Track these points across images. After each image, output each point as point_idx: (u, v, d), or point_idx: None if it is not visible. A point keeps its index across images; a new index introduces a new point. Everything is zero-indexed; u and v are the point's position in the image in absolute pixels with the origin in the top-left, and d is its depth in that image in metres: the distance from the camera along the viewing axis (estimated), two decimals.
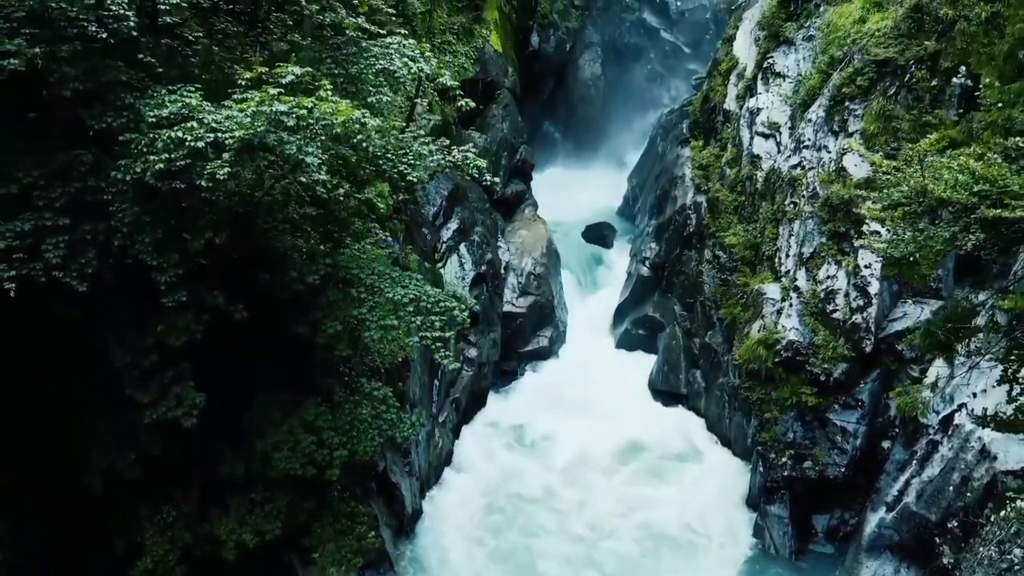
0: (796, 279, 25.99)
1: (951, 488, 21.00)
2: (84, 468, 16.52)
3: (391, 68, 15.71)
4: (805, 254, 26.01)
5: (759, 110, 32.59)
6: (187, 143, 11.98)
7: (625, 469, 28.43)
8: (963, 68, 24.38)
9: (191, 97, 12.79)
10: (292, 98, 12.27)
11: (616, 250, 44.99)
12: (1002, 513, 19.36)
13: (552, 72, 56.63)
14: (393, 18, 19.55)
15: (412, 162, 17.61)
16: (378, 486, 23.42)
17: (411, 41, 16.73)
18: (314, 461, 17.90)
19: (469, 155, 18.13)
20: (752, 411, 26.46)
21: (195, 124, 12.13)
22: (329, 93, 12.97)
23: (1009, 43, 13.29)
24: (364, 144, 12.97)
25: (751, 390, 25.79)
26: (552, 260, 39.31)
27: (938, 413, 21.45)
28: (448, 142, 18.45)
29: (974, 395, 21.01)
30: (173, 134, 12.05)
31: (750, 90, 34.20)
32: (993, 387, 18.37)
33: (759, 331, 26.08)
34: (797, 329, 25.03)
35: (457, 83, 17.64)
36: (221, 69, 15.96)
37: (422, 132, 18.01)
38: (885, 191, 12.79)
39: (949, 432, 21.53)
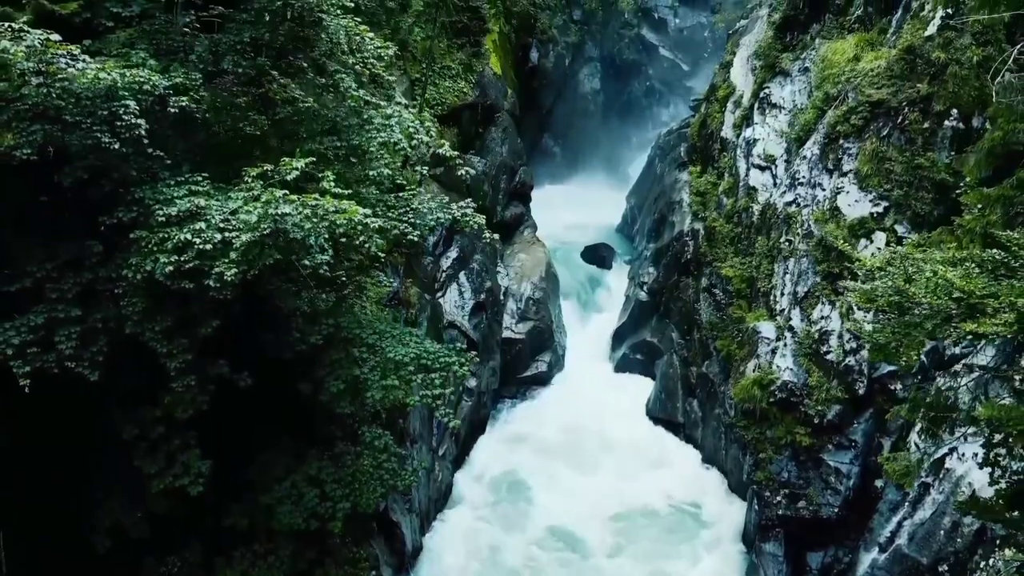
0: (791, 318, 26.34)
1: (942, 532, 21.36)
2: (91, 527, 16.85)
3: (392, 141, 16.10)
4: (799, 293, 26.37)
5: (755, 141, 32.92)
6: (196, 246, 12.38)
7: (619, 526, 28.21)
8: (955, 111, 24.76)
9: (199, 192, 13.16)
10: (296, 197, 12.64)
11: (615, 272, 45.34)
12: (991, 560, 19.77)
13: (551, 87, 57.01)
14: (389, 67, 19.75)
15: (412, 220, 18.04)
16: (379, 525, 23.77)
17: (411, 112, 17.09)
18: (317, 514, 18.30)
19: (468, 211, 18.53)
20: (747, 448, 26.84)
21: (203, 225, 12.51)
22: (332, 184, 13.35)
23: (988, 143, 13.59)
24: (367, 245, 13.36)
25: (746, 429, 26.19)
26: (551, 284, 39.65)
27: (930, 456, 21.82)
28: (447, 198, 18.84)
29: (965, 439, 21.39)
30: (182, 236, 12.43)
31: (747, 120, 34.52)
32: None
33: (754, 370, 26.46)
34: (791, 369, 25.40)
35: (456, 153, 17.97)
36: (226, 128, 16.29)
37: (421, 189, 18.34)
38: (868, 285, 13.15)
39: (940, 475, 21.90)
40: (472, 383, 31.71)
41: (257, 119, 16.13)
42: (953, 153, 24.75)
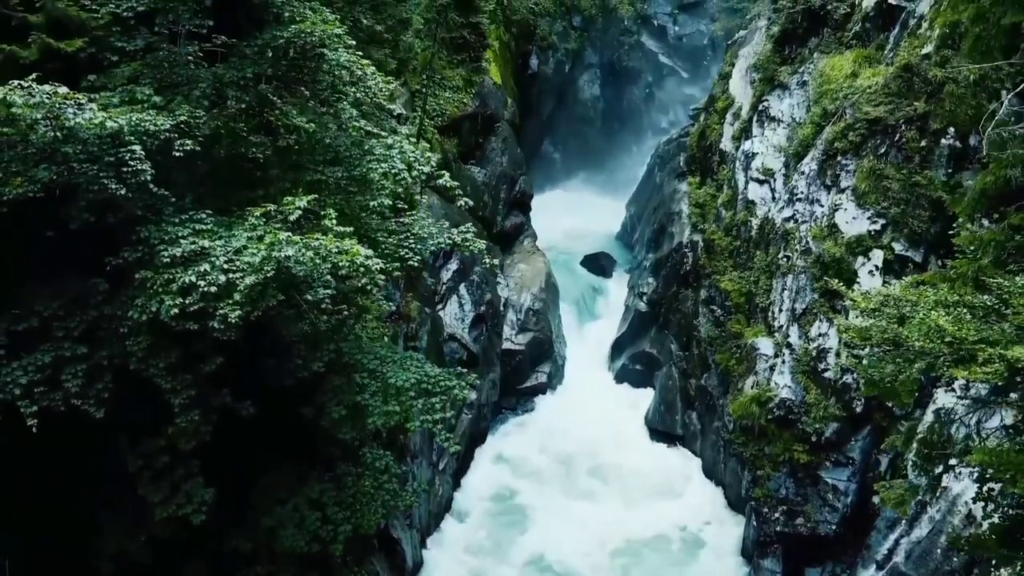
0: (789, 335, 26.51)
1: (939, 551, 21.48)
2: (94, 552, 16.99)
3: (393, 171, 16.26)
4: (797, 310, 26.54)
5: (754, 154, 33.10)
6: (200, 288, 12.55)
7: (617, 549, 27.99)
8: (952, 130, 24.88)
9: (203, 231, 13.32)
10: (299, 239, 12.81)
11: (615, 280, 45.56)
12: None
13: (551, 93, 57.36)
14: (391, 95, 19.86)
15: (413, 246, 18.21)
16: (379, 542, 23.95)
17: (411, 142, 17.26)
18: (319, 537, 18.40)
19: (468, 236, 18.70)
20: (746, 464, 27.01)
21: (207, 267, 12.68)
22: (334, 221, 13.53)
23: (981, 185, 13.71)
24: (368, 286, 13.55)
25: (744, 445, 26.39)
26: (551, 294, 39.81)
27: (927, 475, 21.96)
28: (447, 216, 18.97)
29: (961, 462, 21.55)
30: (187, 278, 12.61)
31: (745, 132, 34.71)
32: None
33: (752, 387, 26.65)
34: (789, 387, 25.58)
35: (456, 183, 18.11)
36: (228, 154, 16.40)
37: (422, 215, 18.53)
38: (862, 323, 13.32)
39: (937, 493, 22.06)
40: (472, 396, 31.80)
41: (261, 142, 16.22)
42: (950, 171, 24.92)
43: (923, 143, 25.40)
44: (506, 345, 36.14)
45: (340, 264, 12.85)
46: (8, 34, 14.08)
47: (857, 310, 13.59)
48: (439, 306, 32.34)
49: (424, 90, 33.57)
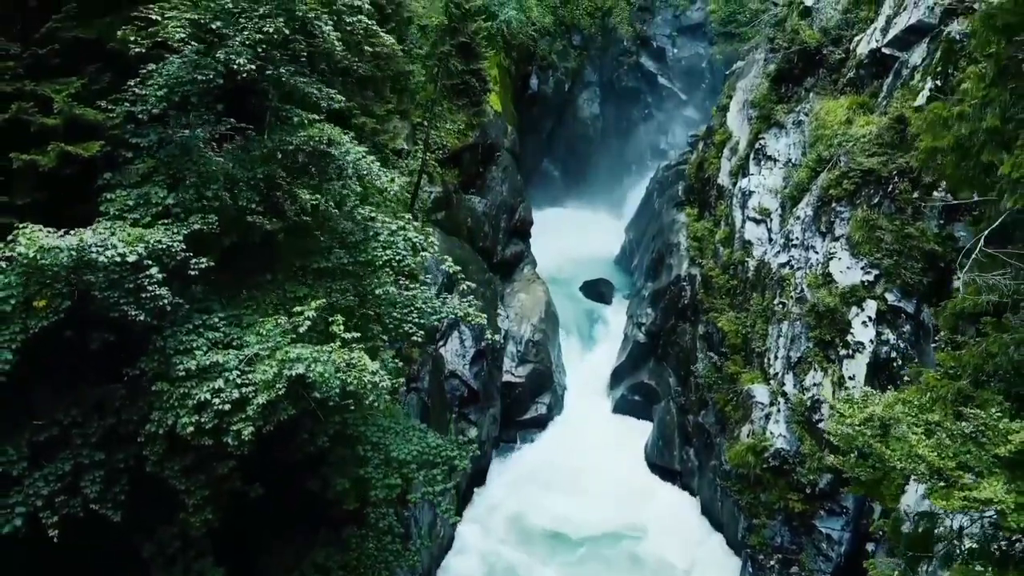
0: (784, 383, 26.98)
1: None
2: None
3: (397, 258, 16.75)
4: (793, 358, 27.00)
5: (751, 193, 33.55)
6: (215, 406, 13.05)
7: None
8: (943, 183, 25.33)
9: (216, 339, 13.81)
10: (309, 353, 13.27)
11: (614, 306, 45.94)
12: None
13: (551, 111, 57.80)
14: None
15: (417, 320, 18.68)
16: None
17: (415, 227, 17.72)
18: None
19: (471, 311, 19.20)
20: (742, 509, 27.50)
21: (221, 383, 13.17)
22: (341, 328, 13.99)
23: (961, 304, 14.16)
24: (375, 403, 14.05)
25: (741, 493, 26.87)
26: (551, 323, 40.21)
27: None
28: (448, 294, 19.48)
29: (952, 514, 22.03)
30: (202, 395, 13.11)
31: (743, 169, 35.14)
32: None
33: (748, 436, 27.13)
34: (784, 436, 26.06)
35: (459, 267, 18.59)
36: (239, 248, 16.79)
37: (425, 288, 19.04)
38: (849, 430, 13.83)
39: None
40: (472, 432, 32.18)
41: (268, 218, 16.64)
42: (942, 223, 25.40)
43: (915, 195, 25.87)
44: (506, 378, 36.44)
45: (348, 380, 13.31)
46: (27, 140, 14.53)
47: (843, 422, 14.07)
48: (440, 343, 32.74)
49: (426, 124, 33.95)
